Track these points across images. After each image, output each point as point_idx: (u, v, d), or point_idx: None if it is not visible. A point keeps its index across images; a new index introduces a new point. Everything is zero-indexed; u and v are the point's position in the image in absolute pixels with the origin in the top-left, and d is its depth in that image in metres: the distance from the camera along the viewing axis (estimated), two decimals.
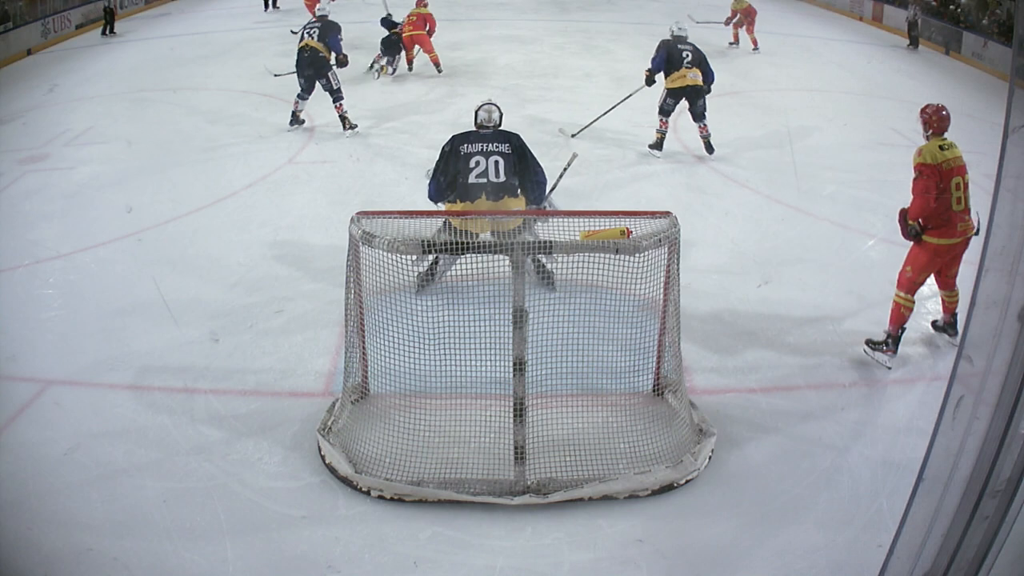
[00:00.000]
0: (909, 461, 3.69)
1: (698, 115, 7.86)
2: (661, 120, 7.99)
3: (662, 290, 3.77)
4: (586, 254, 3.46)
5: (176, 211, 6.68)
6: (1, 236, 6.27)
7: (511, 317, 3.40)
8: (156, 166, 7.88)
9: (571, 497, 3.51)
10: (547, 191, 5.16)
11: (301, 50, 8.38)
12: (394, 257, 3.50)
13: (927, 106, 4.66)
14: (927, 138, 4.60)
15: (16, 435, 3.98)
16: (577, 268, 3.49)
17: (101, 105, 10.05)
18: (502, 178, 4.72)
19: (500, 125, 5.03)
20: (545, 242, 3.38)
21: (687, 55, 7.74)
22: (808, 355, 4.73)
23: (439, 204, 4.97)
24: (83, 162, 8.03)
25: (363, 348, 3.94)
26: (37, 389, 4.32)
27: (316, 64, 8.32)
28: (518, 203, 4.80)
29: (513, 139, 4.86)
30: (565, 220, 3.60)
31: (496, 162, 4.73)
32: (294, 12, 15.95)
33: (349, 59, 8.79)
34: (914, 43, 14.44)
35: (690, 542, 3.37)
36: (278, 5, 17.05)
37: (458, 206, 4.78)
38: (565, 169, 5.82)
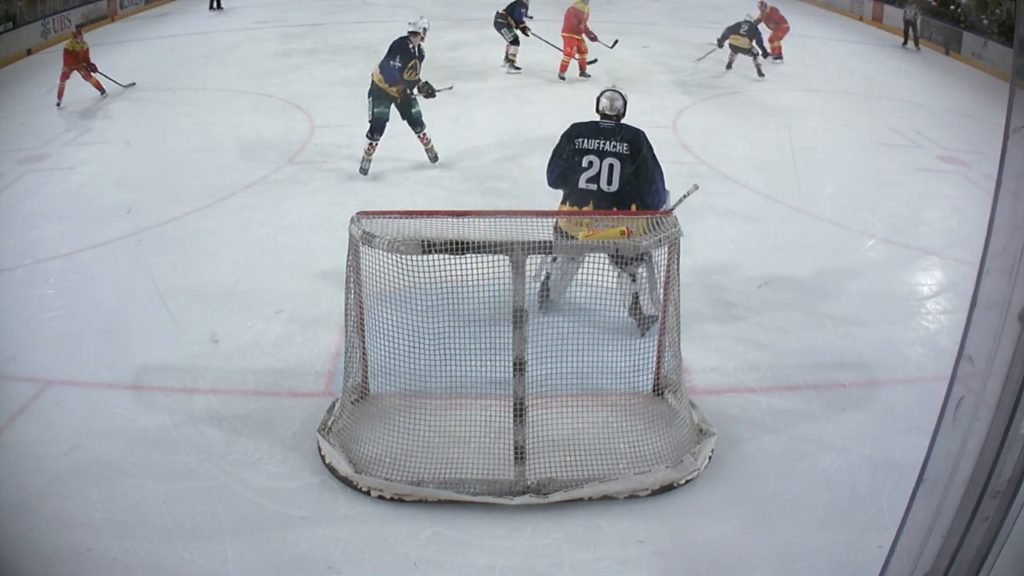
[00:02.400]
0: (909, 461, 3.69)
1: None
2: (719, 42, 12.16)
3: (662, 290, 3.77)
4: (586, 254, 3.46)
5: (176, 211, 6.67)
6: (1, 236, 6.27)
7: (511, 317, 3.40)
8: (156, 166, 7.88)
9: (571, 497, 3.51)
10: (666, 204, 4.68)
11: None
12: (394, 257, 3.50)
13: None
14: None
15: (16, 435, 3.98)
16: (577, 268, 3.49)
17: (101, 105, 10.05)
18: (614, 187, 4.35)
19: (623, 116, 4.57)
20: (545, 242, 3.38)
21: (743, 27, 11.80)
22: (808, 355, 4.73)
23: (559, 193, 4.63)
24: (83, 162, 8.03)
25: (363, 348, 3.94)
26: (37, 389, 4.32)
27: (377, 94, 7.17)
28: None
29: (633, 139, 4.43)
30: (565, 220, 3.60)
31: (611, 166, 4.35)
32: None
33: (423, 85, 7.30)
34: (914, 42, 14.44)
35: (690, 542, 3.37)
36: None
37: (566, 207, 4.52)
38: (683, 198, 4.90)
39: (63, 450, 3.84)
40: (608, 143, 4.41)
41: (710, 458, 3.76)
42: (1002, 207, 1.64)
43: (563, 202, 4.58)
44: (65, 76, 10.09)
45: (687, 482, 3.62)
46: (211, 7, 16.67)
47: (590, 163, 4.40)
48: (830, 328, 5.00)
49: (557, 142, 4.59)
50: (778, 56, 12.92)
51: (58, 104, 10.01)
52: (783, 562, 3.27)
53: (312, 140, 8.54)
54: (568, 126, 4.58)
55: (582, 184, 4.43)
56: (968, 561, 1.78)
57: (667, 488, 3.59)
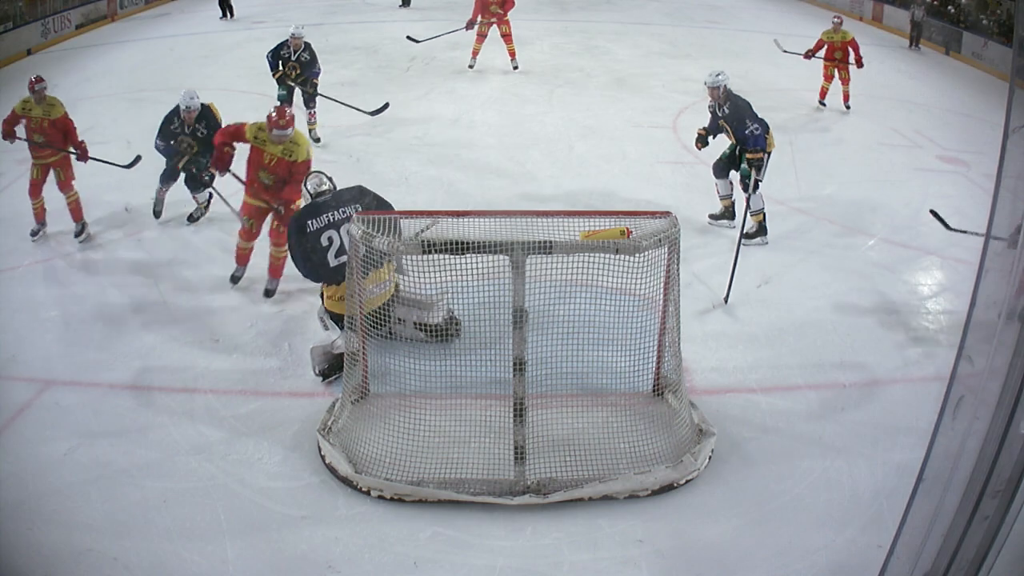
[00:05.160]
0: (909, 461, 3.69)
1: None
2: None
3: (662, 290, 3.77)
4: (586, 254, 3.46)
5: (176, 211, 6.67)
6: (1, 236, 6.26)
7: (511, 317, 3.40)
8: (156, 166, 7.86)
9: (571, 497, 3.51)
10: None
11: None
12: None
13: None
14: None
15: (16, 435, 3.98)
16: (577, 268, 3.49)
17: (101, 105, 10.03)
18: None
19: (335, 187, 4.61)
20: (545, 242, 3.38)
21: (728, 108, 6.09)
22: (808, 355, 4.73)
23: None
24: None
25: (363, 348, 3.94)
26: (37, 389, 4.32)
27: None
28: (388, 268, 4.32)
29: (357, 196, 4.49)
30: (565, 220, 3.60)
31: (349, 232, 4.26)
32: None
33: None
34: (916, 43, 14.42)
35: (690, 542, 3.37)
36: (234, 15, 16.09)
37: (331, 289, 4.46)
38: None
39: (63, 450, 3.84)
40: (336, 212, 4.41)
41: (710, 458, 3.76)
42: (1002, 207, 1.64)
43: (328, 286, 4.51)
44: (36, 187, 6.05)
45: (687, 482, 3.63)
46: (223, 15, 15.90)
47: (329, 239, 4.36)
48: (830, 328, 5.00)
49: (289, 246, 4.54)
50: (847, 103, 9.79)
51: (36, 232, 6.12)
52: (783, 562, 3.27)
53: (312, 140, 8.53)
54: (290, 223, 4.54)
55: (332, 262, 4.37)
56: (968, 560, 1.78)
57: (667, 488, 3.59)
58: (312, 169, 4.83)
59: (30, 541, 3.30)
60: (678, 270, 3.75)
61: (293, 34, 8.35)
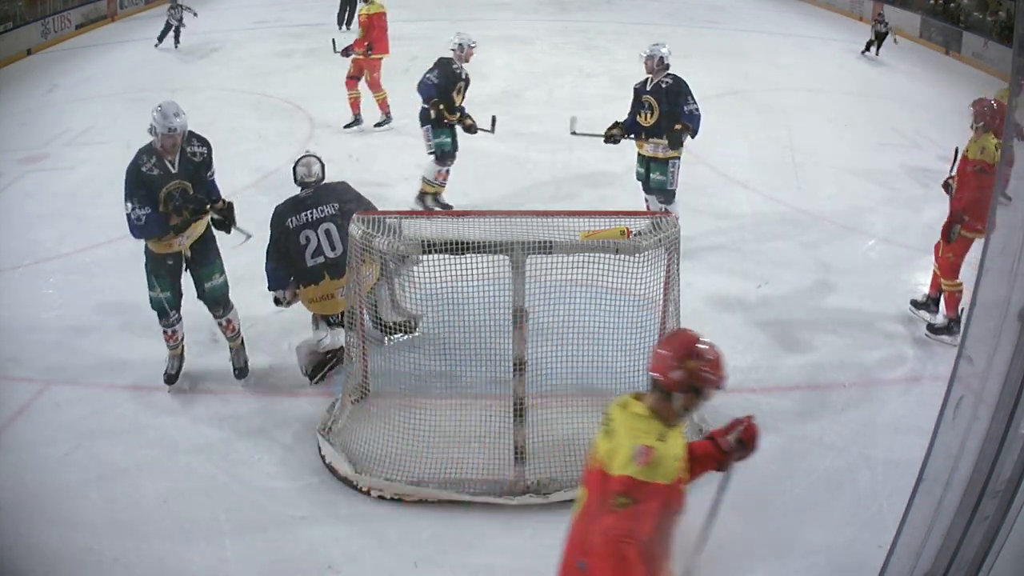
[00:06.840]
0: (909, 461, 3.66)
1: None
2: None
3: (662, 290, 3.77)
4: (586, 254, 3.46)
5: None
6: (1, 236, 6.26)
7: (511, 317, 3.40)
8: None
9: (571, 497, 3.50)
10: None
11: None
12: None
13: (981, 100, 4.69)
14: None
15: (16, 435, 3.98)
16: (577, 268, 3.49)
17: (101, 105, 10.03)
18: (338, 250, 4.23)
19: (323, 178, 4.44)
20: (545, 242, 3.38)
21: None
22: (808, 355, 4.73)
23: (282, 291, 4.42)
24: (83, 162, 8.02)
25: (363, 348, 3.94)
26: (37, 389, 4.32)
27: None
28: (368, 268, 4.05)
29: (339, 195, 4.38)
30: (565, 220, 3.60)
31: (327, 231, 4.27)
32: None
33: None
34: (876, 50, 13.36)
35: (690, 542, 3.36)
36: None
37: (308, 291, 4.35)
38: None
39: (63, 450, 3.84)
40: (317, 211, 4.29)
41: None
42: (1002, 207, 1.64)
43: (297, 287, 4.39)
44: None
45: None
46: (174, 42, 12.95)
47: (307, 239, 4.27)
48: (830, 328, 5.00)
49: (268, 241, 4.39)
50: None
51: None
52: (783, 562, 3.27)
53: (312, 140, 8.53)
54: (272, 217, 4.40)
55: (309, 262, 4.28)
56: (968, 560, 1.79)
57: None
58: (307, 152, 4.57)
59: (30, 541, 3.30)
60: (678, 270, 3.75)
61: (467, 44, 6.13)
